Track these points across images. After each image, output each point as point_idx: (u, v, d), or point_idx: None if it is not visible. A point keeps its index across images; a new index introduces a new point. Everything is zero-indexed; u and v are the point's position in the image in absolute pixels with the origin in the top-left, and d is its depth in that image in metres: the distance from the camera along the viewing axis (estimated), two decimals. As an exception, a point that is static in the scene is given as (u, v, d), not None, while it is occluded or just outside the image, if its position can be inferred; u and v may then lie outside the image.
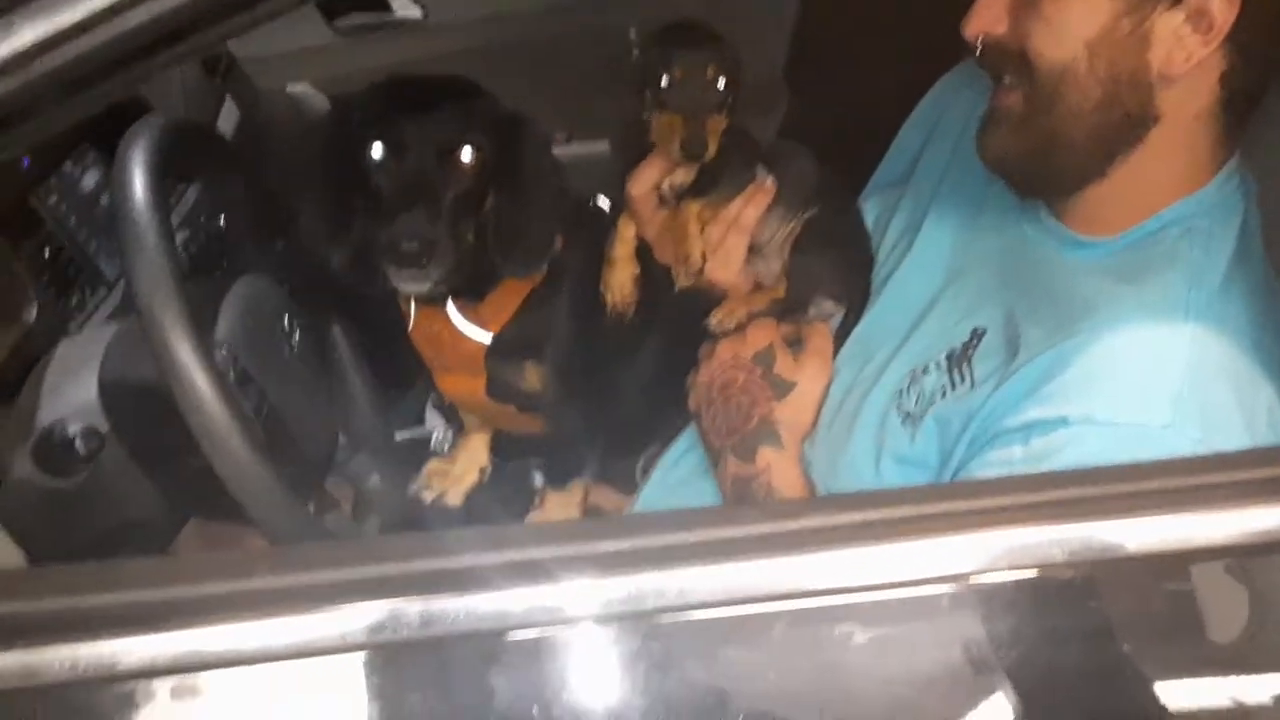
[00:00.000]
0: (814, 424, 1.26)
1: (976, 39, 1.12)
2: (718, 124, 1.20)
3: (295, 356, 1.24)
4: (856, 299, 1.31)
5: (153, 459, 1.14)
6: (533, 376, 1.36)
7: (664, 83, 1.20)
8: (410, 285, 1.23)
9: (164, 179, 1.04)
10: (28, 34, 0.77)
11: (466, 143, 1.19)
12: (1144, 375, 1.01)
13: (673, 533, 0.84)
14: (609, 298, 1.31)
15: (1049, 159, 1.12)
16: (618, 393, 1.41)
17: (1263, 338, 1.05)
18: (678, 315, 1.36)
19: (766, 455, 1.23)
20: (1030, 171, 1.15)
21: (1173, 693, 0.87)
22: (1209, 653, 0.88)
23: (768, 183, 1.31)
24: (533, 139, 1.26)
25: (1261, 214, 1.11)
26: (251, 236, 1.36)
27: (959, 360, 1.14)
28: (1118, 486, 0.86)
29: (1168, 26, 1.04)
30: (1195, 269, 1.07)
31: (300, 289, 1.30)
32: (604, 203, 1.43)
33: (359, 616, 0.79)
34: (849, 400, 1.23)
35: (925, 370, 1.16)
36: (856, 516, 0.85)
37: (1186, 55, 1.04)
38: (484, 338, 1.32)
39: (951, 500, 0.87)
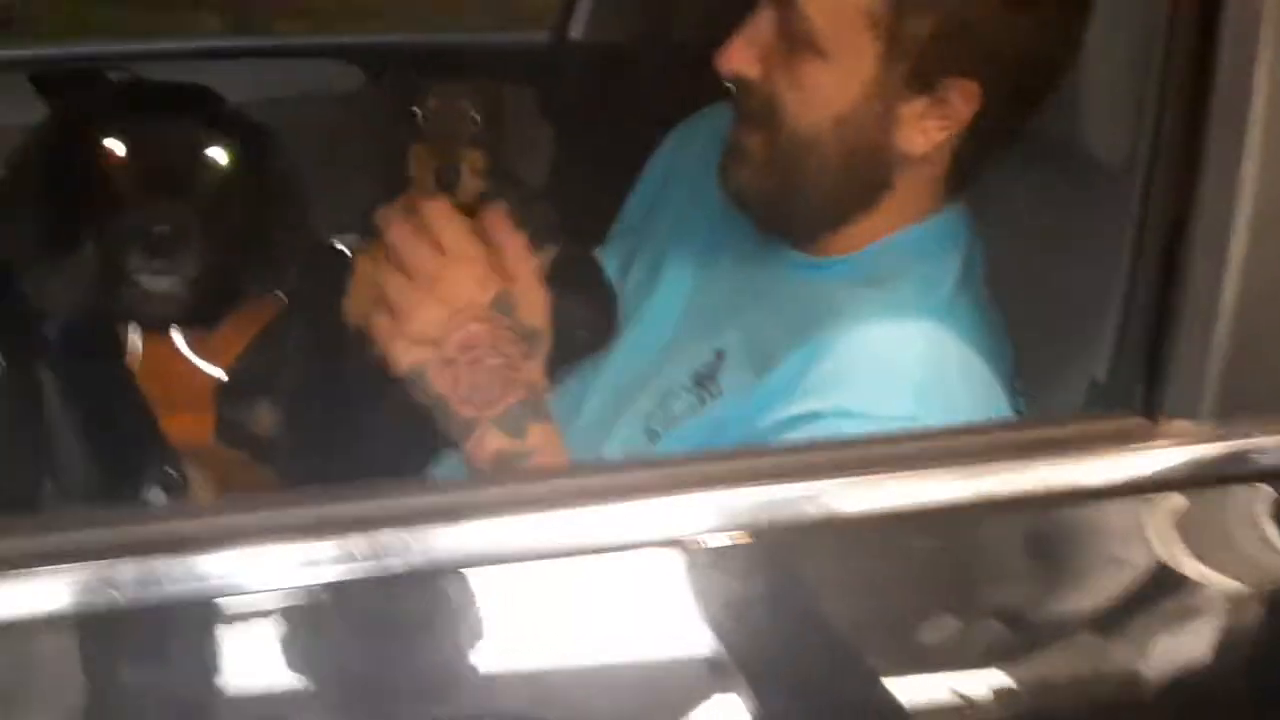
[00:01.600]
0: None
1: (730, 77, 1.14)
2: (475, 159, 1.18)
3: (-1, 384, 1.14)
4: (603, 332, 1.31)
5: None
6: (265, 417, 1.29)
7: (419, 116, 1.18)
8: (158, 281, 1.15)
9: None
10: None
11: (216, 143, 1.16)
12: (887, 369, 1.05)
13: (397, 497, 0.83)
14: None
15: (785, 205, 1.16)
16: (356, 438, 1.35)
17: (989, 348, 1.11)
18: None
19: (538, 431, 1.12)
20: (767, 211, 1.19)
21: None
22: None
23: None
24: (280, 154, 1.23)
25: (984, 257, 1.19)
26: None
27: (705, 379, 1.15)
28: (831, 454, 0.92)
29: (913, 111, 1.09)
30: (925, 279, 1.12)
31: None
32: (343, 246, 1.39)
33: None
34: (595, 432, 1.22)
35: (672, 393, 1.16)
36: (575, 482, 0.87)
37: (926, 139, 1.10)
38: (215, 372, 1.25)
39: (670, 466, 0.88)
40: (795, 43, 1.09)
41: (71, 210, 1.17)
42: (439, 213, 1.10)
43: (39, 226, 1.18)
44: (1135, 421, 0.95)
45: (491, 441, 1.10)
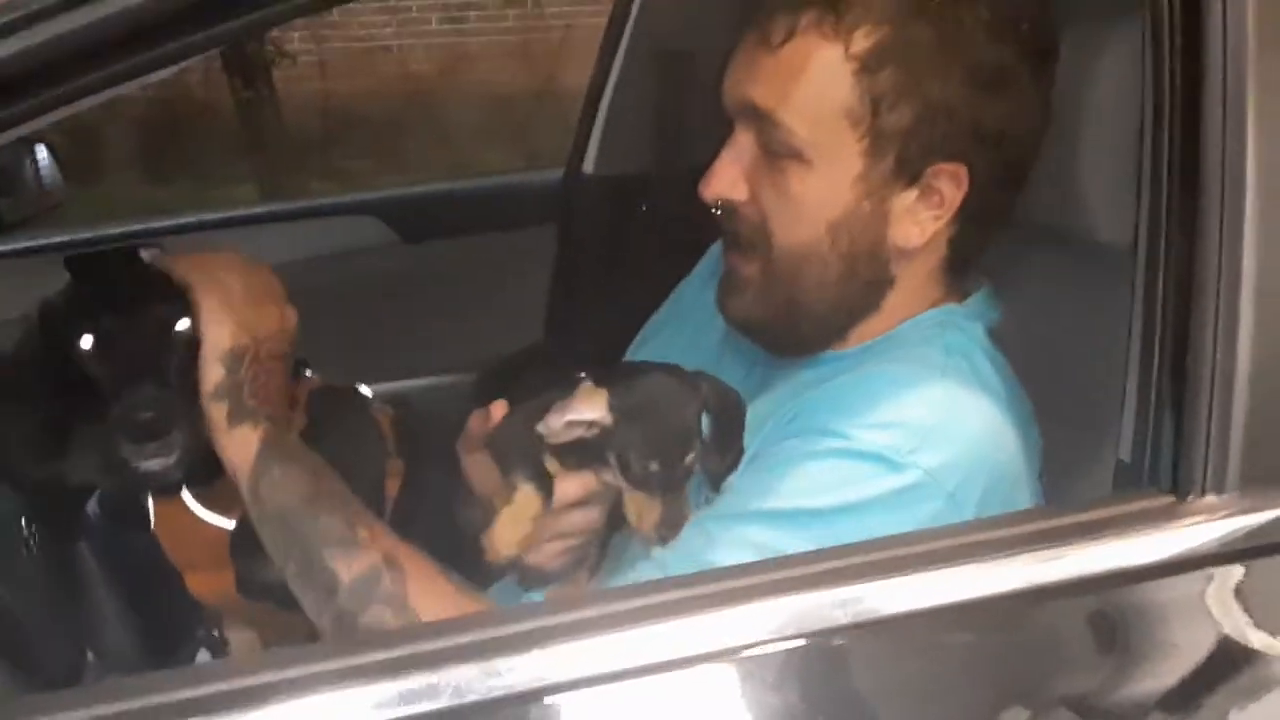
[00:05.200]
0: None
1: (715, 201, 1.13)
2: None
3: (34, 561, 1.15)
4: None
5: None
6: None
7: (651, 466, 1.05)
8: (154, 462, 1.16)
9: None
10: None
11: (181, 315, 1.15)
12: (895, 406, 1.04)
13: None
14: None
15: (790, 324, 1.14)
16: None
17: (1017, 419, 1.09)
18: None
19: None
20: (773, 334, 1.17)
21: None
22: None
23: None
24: None
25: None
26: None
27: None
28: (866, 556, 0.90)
29: (903, 205, 1.09)
30: (950, 346, 1.11)
31: (36, 504, 1.22)
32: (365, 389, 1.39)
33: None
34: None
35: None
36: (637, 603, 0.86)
37: (921, 230, 1.10)
38: (228, 525, 1.25)
39: (723, 581, 0.87)
40: (778, 156, 1.08)
41: (61, 399, 1.16)
42: None
43: (38, 414, 1.18)
44: (1164, 500, 0.94)
45: None
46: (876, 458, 1.00)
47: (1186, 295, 0.94)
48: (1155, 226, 0.96)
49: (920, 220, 1.10)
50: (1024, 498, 1.07)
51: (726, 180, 1.12)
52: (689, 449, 1.04)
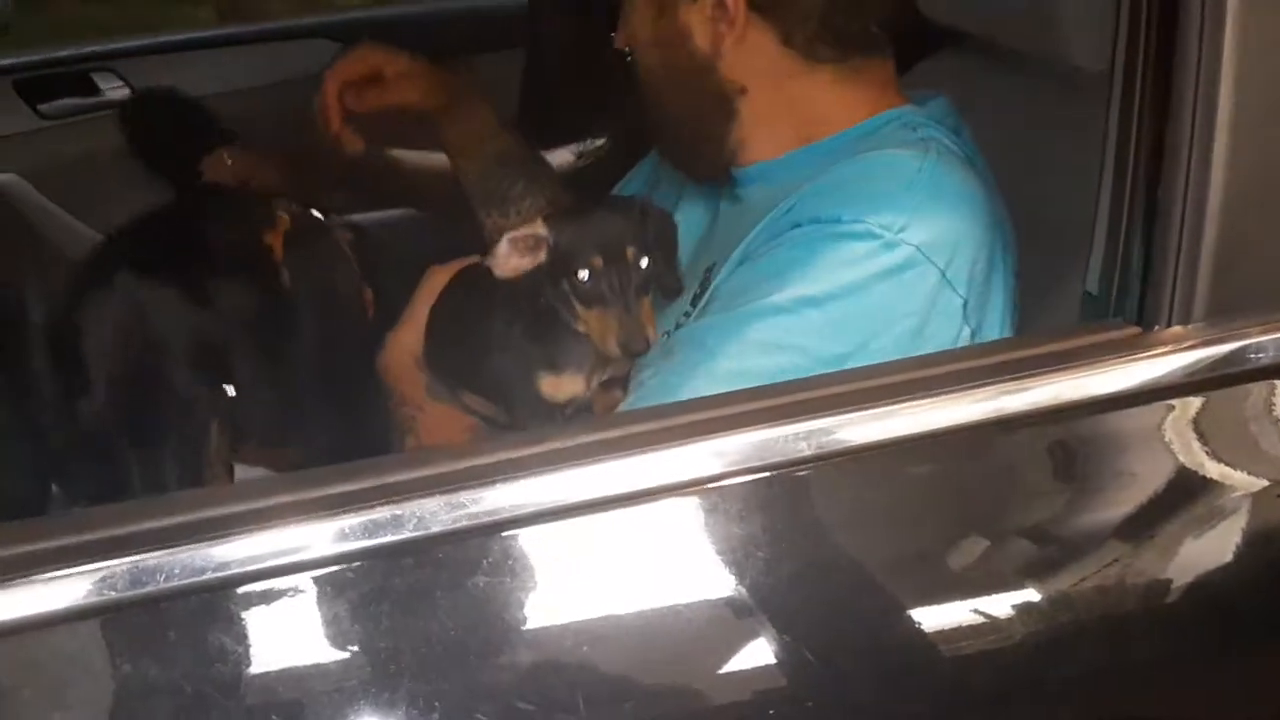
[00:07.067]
0: None
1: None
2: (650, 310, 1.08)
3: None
4: None
5: None
6: None
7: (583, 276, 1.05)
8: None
9: None
10: None
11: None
12: (880, 188, 1.06)
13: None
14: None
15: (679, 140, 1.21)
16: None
17: (997, 209, 1.10)
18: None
19: None
20: (679, 157, 1.23)
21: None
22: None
23: None
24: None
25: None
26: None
27: (700, 297, 1.14)
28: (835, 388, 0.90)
29: (698, 18, 1.13)
30: (927, 136, 1.11)
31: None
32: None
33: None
34: None
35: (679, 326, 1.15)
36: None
37: (723, 35, 1.12)
38: None
39: (687, 414, 0.87)
40: None
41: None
42: None
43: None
44: (1129, 331, 0.94)
45: None
46: (868, 235, 1.02)
47: (1161, 124, 0.92)
48: (1132, 53, 0.94)
49: (718, 27, 1.12)
50: (1004, 294, 1.09)
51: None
52: (628, 259, 1.04)
